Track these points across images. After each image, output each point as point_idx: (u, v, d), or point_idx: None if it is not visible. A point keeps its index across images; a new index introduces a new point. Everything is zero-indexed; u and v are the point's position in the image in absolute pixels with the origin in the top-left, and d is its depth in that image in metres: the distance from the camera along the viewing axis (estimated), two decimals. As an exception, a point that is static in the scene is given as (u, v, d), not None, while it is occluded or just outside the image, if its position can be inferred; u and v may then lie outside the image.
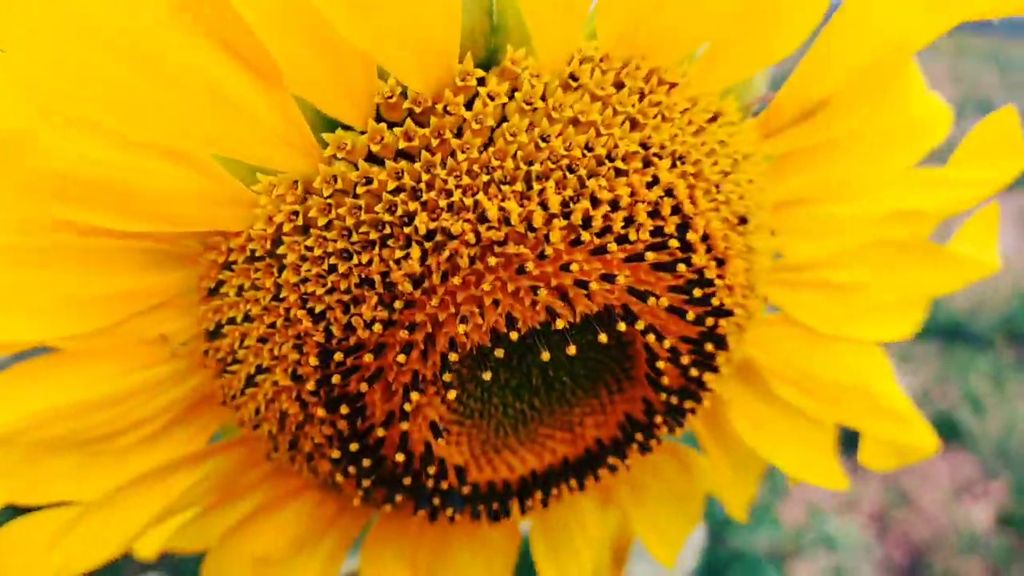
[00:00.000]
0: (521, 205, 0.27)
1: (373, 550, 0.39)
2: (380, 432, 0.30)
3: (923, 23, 0.32)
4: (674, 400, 0.33)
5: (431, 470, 0.32)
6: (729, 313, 0.32)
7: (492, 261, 0.27)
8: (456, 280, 0.27)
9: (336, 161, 0.27)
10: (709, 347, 0.32)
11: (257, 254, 0.28)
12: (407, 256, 0.27)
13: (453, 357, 0.28)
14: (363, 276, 0.27)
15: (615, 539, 0.47)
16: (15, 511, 0.35)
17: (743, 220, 0.32)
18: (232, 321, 0.30)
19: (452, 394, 0.30)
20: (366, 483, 0.33)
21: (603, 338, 0.29)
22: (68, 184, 0.25)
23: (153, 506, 0.34)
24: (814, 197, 0.36)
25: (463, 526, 0.40)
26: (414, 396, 0.29)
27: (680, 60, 0.30)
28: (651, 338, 0.30)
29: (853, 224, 0.37)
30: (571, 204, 0.27)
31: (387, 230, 0.27)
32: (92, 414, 0.31)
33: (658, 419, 0.34)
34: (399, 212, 0.27)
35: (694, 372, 0.32)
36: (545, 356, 0.29)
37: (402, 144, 0.27)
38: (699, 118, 0.30)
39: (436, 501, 0.34)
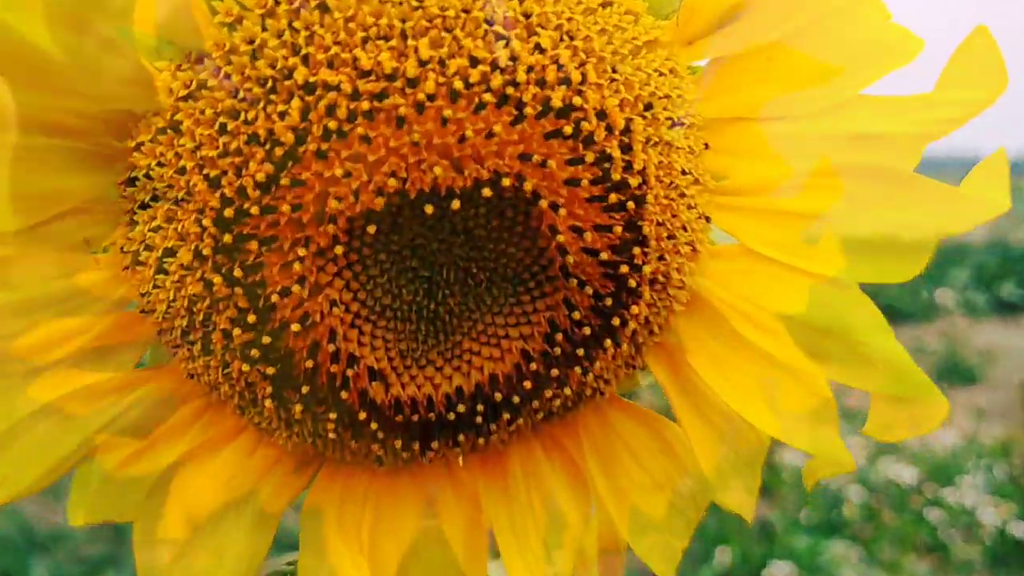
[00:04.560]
0: (396, 60, 0.28)
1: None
2: (282, 312, 0.30)
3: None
4: (595, 301, 0.31)
5: (336, 368, 0.31)
6: (641, 200, 0.30)
7: (365, 106, 0.27)
8: (336, 134, 0.27)
9: (223, 27, 0.29)
10: (618, 230, 0.30)
11: (159, 126, 0.29)
12: (288, 110, 0.28)
13: (336, 207, 0.28)
14: (250, 133, 0.28)
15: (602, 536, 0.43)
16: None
17: (648, 107, 0.31)
18: (143, 205, 0.31)
19: (340, 249, 0.29)
20: (277, 387, 0.31)
21: (487, 192, 0.28)
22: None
23: (71, 438, 0.33)
24: (753, 115, 0.35)
25: (412, 490, 0.38)
26: (300, 251, 0.29)
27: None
28: (550, 211, 0.29)
29: (800, 145, 0.36)
30: (447, 60, 0.28)
31: (269, 84, 0.28)
32: (12, 320, 0.32)
33: (586, 330, 0.32)
34: (279, 66, 0.28)
35: (609, 257, 0.31)
36: (429, 209, 0.28)
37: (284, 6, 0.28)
38: (591, 2, 0.31)
39: (362, 416, 0.32)
